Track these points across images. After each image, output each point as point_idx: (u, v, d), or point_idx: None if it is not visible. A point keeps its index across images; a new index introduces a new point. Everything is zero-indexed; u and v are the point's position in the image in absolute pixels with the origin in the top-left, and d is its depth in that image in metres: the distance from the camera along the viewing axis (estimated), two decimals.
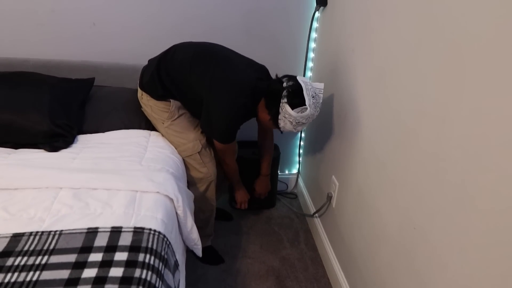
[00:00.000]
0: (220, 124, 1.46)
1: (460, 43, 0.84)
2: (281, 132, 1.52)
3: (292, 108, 1.36)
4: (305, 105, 1.36)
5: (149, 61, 1.59)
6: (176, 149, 1.60)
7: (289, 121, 1.40)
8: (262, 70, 1.56)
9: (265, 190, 2.02)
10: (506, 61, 0.71)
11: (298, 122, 1.40)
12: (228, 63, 1.47)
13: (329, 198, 1.75)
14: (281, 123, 1.43)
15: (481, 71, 0.78)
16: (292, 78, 1.41)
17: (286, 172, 2.44)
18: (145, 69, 1.58)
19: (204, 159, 1.62)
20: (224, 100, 1.42)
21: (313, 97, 1.38)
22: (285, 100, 1.37)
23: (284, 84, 1.40)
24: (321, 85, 1.44)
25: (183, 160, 1.61)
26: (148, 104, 1.56)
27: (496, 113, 0.73)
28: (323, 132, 1.87)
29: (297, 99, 1.36)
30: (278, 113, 1.40)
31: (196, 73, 1.44)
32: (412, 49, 1.04)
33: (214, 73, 1.42)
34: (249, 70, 1.50)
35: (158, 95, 1.52)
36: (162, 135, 1.64)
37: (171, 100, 1.53)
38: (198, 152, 1.60)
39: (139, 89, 1.58)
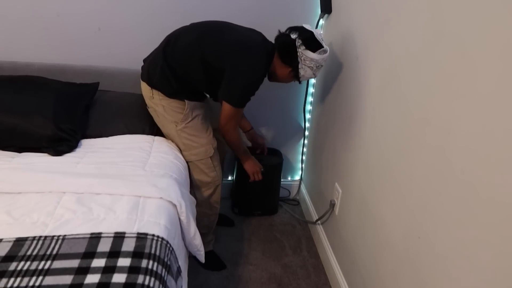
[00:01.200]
0: (242, 85, 1.45)
1: (466, 49, 0.84)
2: (300, 82, 1.61)
3: (314, 52, 1.44)
4: (323, 47, 1.46)
5: (150, 60, 1.53)
6: (185, 152, 1.59)
7: (310, 67, 1.48)
8: (261, 34, 1.59)
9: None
10: None
11: (319, 66, 1.50)
12: (235, 30, 1.51)
13: (332, 205, 1.74)
14: (301, 72, 1.50)
15: (487, 77, 0.77)
16: (297, 28, 1.48)
17: (289, 178, 2.43)
18: (149, 68, 1.52)
19: (214, 163, 1.64)
20: (249, 61, 1.44)
21: (322, 40, 1.48)
22: (303, 47, 1.44)
23: (293, 36, 1.46)
24: (320, 30, 1.54)
25: (191, 163, 1.61)
26: (161, 103, 1.53)
27: (504, 119, 0.73)
28: (327, 138, 1.87)
29: (314, 43, 1.45)
30: (298, 63, 1.47)
31: (208, 47, 1.44)
32: (417, 56, 1.04)
33: (229, 40, 1.45)
34: (253, 33, 1.54)
35: (173, 89, 1.49)
36: (167, 139, 1.64)
37: (185, 100, 1.52)
38: (210, 157, 1.61)
39: (149, 89, 1.53)
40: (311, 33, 1.45)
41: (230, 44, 1.44)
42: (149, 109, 1.62)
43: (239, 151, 1.77)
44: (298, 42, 1.44)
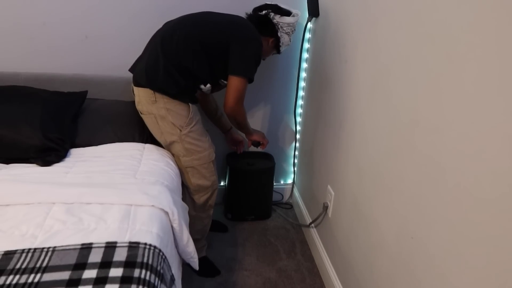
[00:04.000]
0: (252, 55, 1.54)
1: (455, 50, 0.84)
2: (280, 52, 1.76)
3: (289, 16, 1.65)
4: (292, 12, 1.67)
5: (147, 64, 1.48)
6: (186, 157, 1.57)
7: (287, 32, 1.67)
8: None
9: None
10: (501, 65, 0.71)
11: (293, 30, 1.70)
12: (223, 14, 1.60)
13: (325, 208, 1.74)
14: (281, 40, 1.69)
15: (475, 77, 0.78)
16: (261, 6, 1.68)
17: (281, 182, 2.43)
18: (148, 72, 1.47)
19: (214, 167, 1.66)
20: (250, 32, 1.55)
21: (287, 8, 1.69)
22: (278, 16, 1.63)
23: (262, 12, 1.65)
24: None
25: (192, 168, 1.60)
26: (165, 107, 1.49)
27: (493, 118, 0.74)
28: (318, 141, 1.87)
29: (284, 10, 1.66)
30: (277, 31, 1.66)
31: (208, 32, 1.50)
32: (405, 58, 1.05)
33: (225, 20, 1.55)
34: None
35: (179, 88, 1.48)
36: (162, 146, 1.62)
37: (189, 104, 1.53)
38: (211, 161, 1.63)
39: (151, 93, 1.48)
40: (276, 4, 1.66)
41: (227, 23, 1.54)
42: (144, 116, 1.57)
43: (247, 128, 1.83)
44: (271, 14, 1.63)
